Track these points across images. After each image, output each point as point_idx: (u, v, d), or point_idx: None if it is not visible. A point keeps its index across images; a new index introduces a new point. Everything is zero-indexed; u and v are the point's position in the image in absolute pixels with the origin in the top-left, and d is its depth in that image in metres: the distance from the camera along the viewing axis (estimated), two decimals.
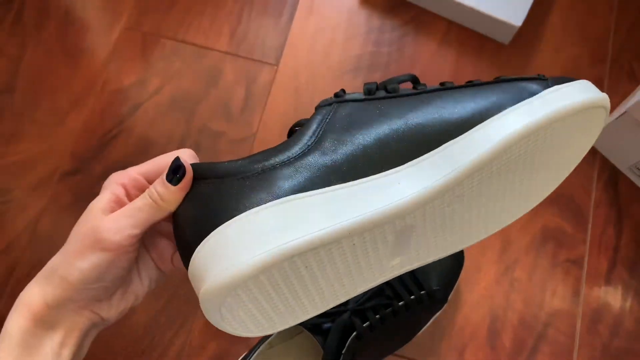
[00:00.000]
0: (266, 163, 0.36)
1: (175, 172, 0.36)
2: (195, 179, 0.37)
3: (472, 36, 0.78)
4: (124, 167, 0.69)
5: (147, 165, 0.39)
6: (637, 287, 0.68)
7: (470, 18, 0.76)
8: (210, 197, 0.35)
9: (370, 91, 0.41)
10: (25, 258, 0.68)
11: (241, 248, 0.32)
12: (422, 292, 0.60)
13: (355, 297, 0.56)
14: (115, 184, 0.38)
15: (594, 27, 0.78)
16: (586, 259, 0.70)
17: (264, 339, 0.59)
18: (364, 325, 0.55)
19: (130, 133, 0.73)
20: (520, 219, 0.70)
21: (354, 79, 0.76)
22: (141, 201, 0.36)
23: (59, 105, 0.74)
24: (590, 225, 0.71)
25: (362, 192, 0.34)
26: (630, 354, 0.66)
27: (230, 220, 0.33)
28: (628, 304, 0.68)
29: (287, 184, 0.34)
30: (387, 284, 0.59)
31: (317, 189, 0.34)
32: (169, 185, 0.35)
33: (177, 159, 0.36)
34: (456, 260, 0.65)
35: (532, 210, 0.70)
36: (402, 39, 0.78)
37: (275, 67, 0.76)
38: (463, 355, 0.66)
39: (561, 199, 0.71)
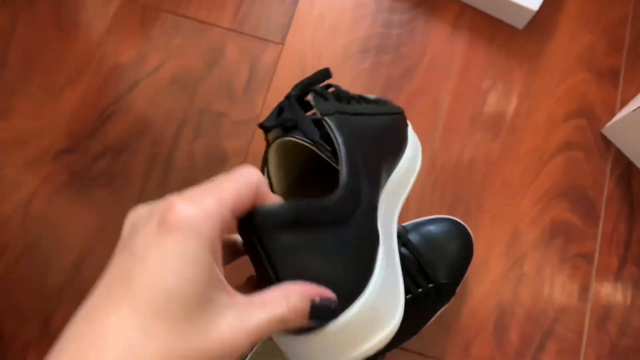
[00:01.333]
0: None
1: (323, 313, 0.30)
2: None
3: (485, 20, 0.75)
4: (120, 148, 0.67)
5: (225, 196, 0.28)
6: None
7: (485, 1, 0.73)
8: None
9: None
10: (17, 241, 0.65)
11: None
12: (430, 285, 0.58)
13: None
14: (212, 241, 0.27)
15: (612, 14, 0.75)
16: (596, 254, 0.68)
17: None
18: None
19: (127, 111, 0.70)
20: (530, 211, 0.69)
21: (361, 61, 0.73)
22: (277, 305, 0.28)
23: (53, 80, 0.71)
24: (601, 220, 0.69)
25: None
26: (639, 353, 0.64)
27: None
28: (638, 301, 0.66)
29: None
30: None
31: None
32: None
33: (330, 304, 0.30)
34: (465, 253, 0.63)
35: (542, 202, 0.69)
36: (412, 21, 0.75)
37: (280, 46, 0.73)
38: (469, 351, 0.64)
39: (573, 192, 0.69)
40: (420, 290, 0.57)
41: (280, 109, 0.43)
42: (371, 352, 0.34)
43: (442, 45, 0.74)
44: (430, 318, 0.62)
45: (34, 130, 0.69)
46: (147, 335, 0.23)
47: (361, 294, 0.34)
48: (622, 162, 0.71)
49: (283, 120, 0.41)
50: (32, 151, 0.68)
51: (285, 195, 0.45)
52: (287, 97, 0.43)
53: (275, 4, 0.75)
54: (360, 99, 0.49)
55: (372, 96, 0.52)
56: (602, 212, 0.69)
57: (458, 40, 0.74)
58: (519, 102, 0.72)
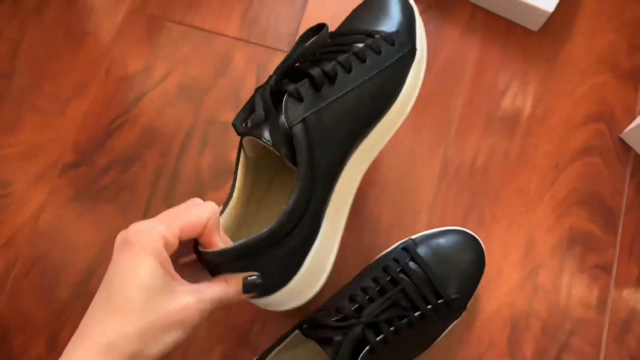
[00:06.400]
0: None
1: (252, 289, 0.44)
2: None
3: (498, 22, 0.73)
4: (127, 160, 0.67)
5: (175, 225, 0.40)
6: None
7: (498, 3, 0.71)
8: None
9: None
10: (26, 253, 0.65)
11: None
12: (440, 300, 0.57)
13: (369, 309, 0.53)
14: (156, 251, 0.38)
15: (632, 12, 0.72)
16: (615, 264, 0.65)
17: (272, 347, 0.56)
18: (378, 339, 0.52)
19: (135, 123, 0.69)
20: (546, 219, 0.67)
21: None
22: (219, 287, 0.41)
23: (60, 92, 0.70)
24: (620, 229, 0.66)
25: None
26: None
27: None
28: None
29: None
30: (404, 293, 0.55)
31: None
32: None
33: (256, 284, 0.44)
34: (477, 266, 0.61)
35: (559, 210, 0.67)
36: (424, 25, 0.73)
37: None
38: None
39: (591, 200, 0.67)
40: (429, 306, 0.56)
41: (252, 106, 0.45)
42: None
43: (454, 49, 0.72)
44: (441, 334, 0.60)
45: (42, 143, 0.69)
46: (122, 321, 0.36)
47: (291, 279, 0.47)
48: None
49: (252, 120, 0.44)
50: (39, 165, 0.68)
51: (250, 197, 0.51)
52: (260, 90, 0.44)
53: (283, 11, 0.73)
54: (354, 56, 0.48)
55: (383, 30, 0.51)
56: (621, 220, 0.67)
57: (471, 44, 0.72)
58: (534, 106, 0.70)
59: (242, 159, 0.48)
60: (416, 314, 0.55)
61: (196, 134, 0.69)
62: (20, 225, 0.66)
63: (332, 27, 0.72)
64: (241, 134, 0.45)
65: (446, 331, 0.61)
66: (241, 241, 0.41)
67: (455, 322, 0.61)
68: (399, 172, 0.68)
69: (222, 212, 0.48)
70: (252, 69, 0.71)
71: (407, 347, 0.57)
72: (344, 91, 0.46)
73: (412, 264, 0.58)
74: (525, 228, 0.66)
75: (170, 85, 0.71)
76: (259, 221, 0.51)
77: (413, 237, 0.62)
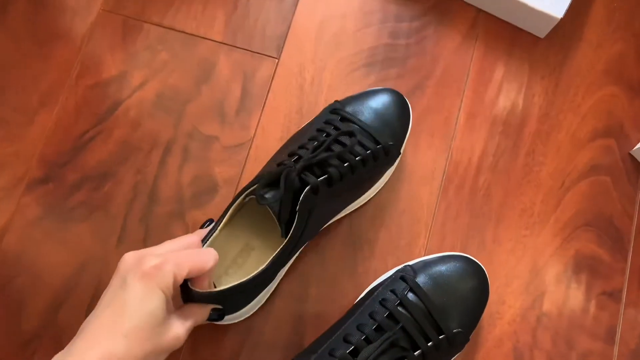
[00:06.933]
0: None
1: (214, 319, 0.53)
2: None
3: (502, 28, 0.68)
4: (100, 176, 0.61)
5: (183, 266, 0.46)
6: None
7: (503, 7, 0.67)
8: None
9: None
10: None
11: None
12: (442, 336, 0.53)
13: (365, 352, 0.49)
14: (167, 288, 0.44)
15: None
16: (624, 291, 0.62)
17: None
18: None
19: (108, 135, 0.64)
20: (551, 243, 0.62)
21: (366, 76, 0.66)
22: (197, 316, 0.49)
23: (26, 101, 0.64)
24: (630, 254, 0.63)
25: None
26: None
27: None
28: None
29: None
30: (404, 331, 0.51)
31: None
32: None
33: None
34: (480, 295, 0.57)
35: (565, 233, 0.63)
36: (422, 30, 0.68)
37: (276, 61, 0.67)
38: None
39: (599, 222, 0.63)
40: (430, 344, 0.52)
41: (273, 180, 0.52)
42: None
43: (455, 57, 0.67)
44: None
45: (5, 157, 0.63)
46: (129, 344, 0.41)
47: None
48: None
49: (272, 194, 0.52)
50: (3, 181, 0.62)
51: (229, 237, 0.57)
52: (286, 171, 0.51)
53: (271, 13, 0.68)
54: (360, 162, 0.56)
55: (385, 141, 0.58)
56: (631, 244, 0.63)
57: (472, 51, 0.67)
58: (539, 120, 0.66)
59: (235, 207, 0.54)
60: (416, 353, 0.51)
61: (176, 148, 0.64)
62: None
63: (324, 34, 0.67)
64: (261, 203, 0.51)
65: None
66: (222, 288, 0.50)
67: (456, 355, 0.57)
68: (395, 192, 0.63)
69: (203, 241, 0.53)
70: (238, 76, 0.66)
71: None
72: (347, 187, 0.56)
73: (411, 296, 0.54)
74: (529, 252, 0.62)
75: (148, 94, 0.65)
76: (228, 257, 0.58)
77: (411, 263, 0.58)
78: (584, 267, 0.62)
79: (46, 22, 0.67)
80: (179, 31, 0.67)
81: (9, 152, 0.63)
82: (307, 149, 0.54)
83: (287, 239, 0.53)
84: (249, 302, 0.57)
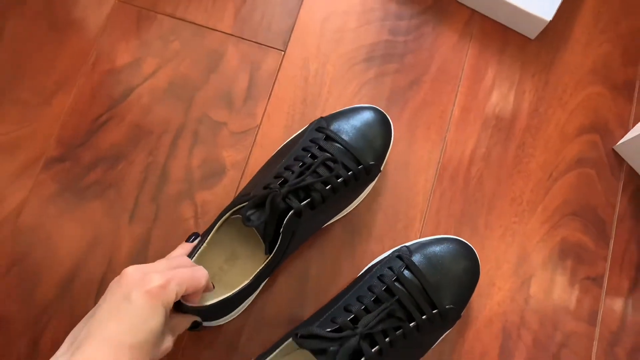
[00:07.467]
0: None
1: (195, 325, 0.55)
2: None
3: (495, 28, 0.72)
4: (114, 157, 0.64)
5: (184, 283, 0.49)
6: None
7: (496, 9, 0.70)
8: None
9: None
10: (6, 252, 0.62)
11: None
12: (435, 311, 0.56)
13: (365, 320, 0.52)
14: (168, 305, 0.47)
15: (629, 24, 0.73)
16: (606, 277, 0.66)
17: (262, 356, 0.54)
18: (373, 350, 0.51)
19: (121, 120, 0.67)
20: (539, 230, 0.66)
21: (366, 71, 0.70)
22: (182, 325, 0.53)
23: (44, 84, 0.67)
24: (612, 241, 0.66)
25: None
26: None
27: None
28: None
29: None
30: (399, 303, 0.54)
31: None
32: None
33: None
34: (472, 275, 0.60)
35: (552, 221, 0.66)
36: (420, 28, 0.72)
37: (282, 53, 0.70)
38: None
39: (583, 212, 0.67)
40: (424, 317, 0.55)
41: (259, 203, 0.55)
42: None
43: (451, 54, 0.71)
44: (434, 344, 0.60)
45: (24, 137, 0.66)
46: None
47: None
48: (634, 181, 0.68)
49: (257, 216, 0.54)
50: (21, 159, 0.65)
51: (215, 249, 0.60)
52: (271, 196, 0.54)
53: (278, 8, 0.71)
54: (342, 183, 0.59)
55: (366, 162, 0.61)
56: (613, 232, 0.67)
57: (467, 50, 0.71)
58: (530, 115, 0.70)
59: (222, 223, 0.58)
60: (411, 324, 0.54)
61: (186, 133, 0.67)
62: (0, 222, 0.63)
63: (327, 29, 0.71)
64: (247, 225, 0.53)
65: (439, 340, 0.60)
66: (210, 303, 0.53)
67: (449, 331, 0.60)
68: (393, 179, 0.67)
69: (192, 254, 0.57)
70: (245, 67, 0.69)
71: (401, 358, 0.56)
72: (329, 207, 0.59)
73: (407, 273, 0.57)
74: (519, 238, 0.66)
75: (160, 81, 0.68)
76: (214, 265, 0.60)
77: (407, 244, 0.61)
78: (569, 254, 0.66)
79: (64, 10, 0.70)
80: (190, 22, 0.70)
81: (27, 131, 0.66)
82: (292, 171, 0.57)
83: (270, 255, 0.56)
84: (232, 311, 0.59)
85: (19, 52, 0.68)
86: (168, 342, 0.49)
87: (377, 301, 0.55)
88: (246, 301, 0.60)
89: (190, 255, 0.55)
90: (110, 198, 0.64)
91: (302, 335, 0.51)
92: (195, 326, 0.54)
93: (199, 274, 0.50)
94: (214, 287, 0.56)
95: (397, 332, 0.53)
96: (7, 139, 0.66)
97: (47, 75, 0.68)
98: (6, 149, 0.65)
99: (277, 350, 0.54)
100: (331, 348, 0.50)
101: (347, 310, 0.54)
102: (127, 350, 0.42)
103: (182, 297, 0.50)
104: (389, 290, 0.55)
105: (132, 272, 0.47)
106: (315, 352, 0.50)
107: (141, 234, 0.63)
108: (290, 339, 0.53)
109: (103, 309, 0.45)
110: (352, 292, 0.56)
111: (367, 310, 0.54)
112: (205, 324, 0.56)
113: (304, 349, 0.56)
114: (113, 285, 0.47)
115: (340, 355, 0.50)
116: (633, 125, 0.69)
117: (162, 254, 0.60)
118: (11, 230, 0.63)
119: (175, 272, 0.48)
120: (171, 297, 0.46)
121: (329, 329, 0.52)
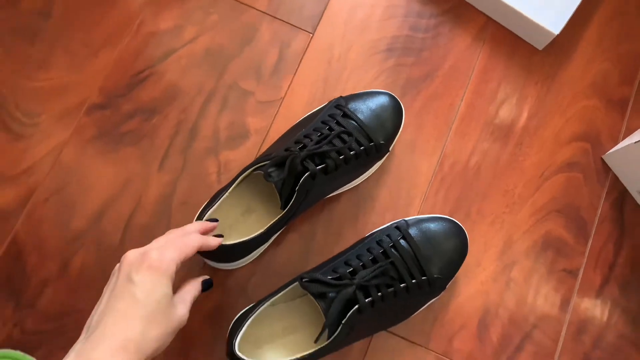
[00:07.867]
0: None
1: (206, 289, 0.58)
2: None
3: (507, 36, 0.79)
4: (151, 110, 0.71)
5: (183, 254, 0.52)
6: (625, 306, 0.71)
7: (509, 18, 0.77)
8: None
9: None
10: (46, 183, 0.69)
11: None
12: (424, 277, 0.62)
13: (362, 273, 0.58)
14: (170, 275, 0.50)
15: (629, 46, 0.79)
16: (582, 271, 0.72)
17: (268, 297, 0.61)
18: (366, 300, 0.57)
19: (160, 78, 0.73)
20: (526, 222, 0.73)
21: (385, 60, 0.76)
22: (192, 292, 0.55)
23: (93, 38, 0.74)
24: (591, 240, 0.73)
25: None
26: None
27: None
28: (614, 319, 0.70)
29: None
30: (393, 265, 0.61)
31: None
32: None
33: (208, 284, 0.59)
34: (460, 252, 0.67)
35: (539, 216, 0.73)
36: (438, 28, 0.78)
37: (311, 35, 0.77)
38: (452, 342, 0.68)
39: (568, 210, 0.73)
40: (414, 281, 0.61)
41: (280, 163, 0.61)
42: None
43: (464, 54, 0.78)
44: (420, 308, 0.66)
45: (71, 83, 0.72)
46: (148, 326, 0.47)
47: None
48: (617, 189, 0.74)
49: (277, 173, 0.61)
50: (66, 103, 0.72)
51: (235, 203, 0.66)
52: (291, 157, 0.60)
53: None
54: (354, 156, 0.65)
55: (377, 140, 0.67)
56: (593, 232, 0.73)
57: (479, 52, 0.78)
58: (529, 118, 0.76)
59: (244, 178, 0.64)
60: (402, 285, 0.60)
61: (217, 97, 0.73)
62: (43, 155, 0.70)
63: (354, 18, 0.77)
64: (267, 180, 0.60)
65: (425, 307, 0.67)
66: (230, 243, 0.61)
67: (434, 299, 0.67)
68: (399, 159, 0.73)
69: (210, 205, 0.62)
70: (276, 43, 0.76)
71: (388, 314, 0.62)
72: (340, 175, 0.65)
73: (402, 242, 0.64)
74: (506, 227, 0.72)
75: (198, 48, 0.75)
76: (232, 215, 0.66)
77: (406, 218, 0.68)
78: (551, 246, 0.72)
79: None
80: None
81: (74, 78, 0.73)
82: (311, 139, 0.63)
83: (285, 210, 0.62)
84: (246, 256, 0.66)
85: (73, 6, 0.75)
86: (181, 311, 0.51)
87: (374, 261, 0.61)
88: (258, 249, 0.67)
89: (210, 207, 0.62)
90: (144, 146, 0.71)
91: (306, 279, 0.58)
92: (206, 287, 0.58)
93: (190, 240, 0.54)
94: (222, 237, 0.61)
95: (389, 290, 0.59)
96: (57, 83, 0.72)
97: (96, 31, 0.74)
98: (55, 92, 0.72)
99: (282, 292, 0.60)
100: (330, 294, 0.57)
101: (347, 264, 0.60)
102: (136, 324, 0.46)
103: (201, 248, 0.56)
104: (385, 253, 0.62)
105: (131, 254, 0.50)
106: (315, 295, 0.57)
107: (168, 182, 0.70)
108: (296, 283, 0.60)
109: (106, 296, 0.49)
110: (353, 251, 0.63)
111: (364, 267, 0.60)
112: (220, 265, 0.63)
113: (304, 299, 0.63)
114: (116, 270, 0.51)
115: (337, 300, 0.56)
116: (623, 139, 0.76)
117: (184, 201, 0.67)
118: (52, 164, 0.70)
119: (168, 243, 0.52)
120: (170, 267, 0.50)
121: (330, 277, 0.58)
